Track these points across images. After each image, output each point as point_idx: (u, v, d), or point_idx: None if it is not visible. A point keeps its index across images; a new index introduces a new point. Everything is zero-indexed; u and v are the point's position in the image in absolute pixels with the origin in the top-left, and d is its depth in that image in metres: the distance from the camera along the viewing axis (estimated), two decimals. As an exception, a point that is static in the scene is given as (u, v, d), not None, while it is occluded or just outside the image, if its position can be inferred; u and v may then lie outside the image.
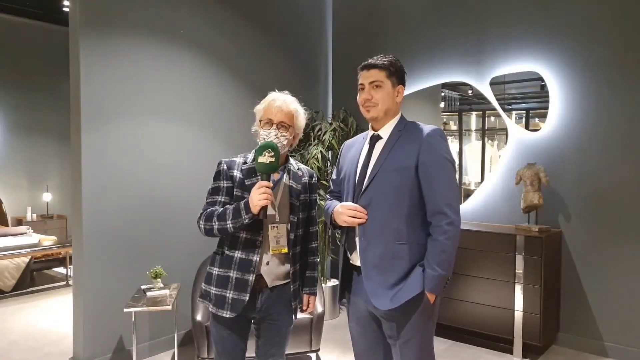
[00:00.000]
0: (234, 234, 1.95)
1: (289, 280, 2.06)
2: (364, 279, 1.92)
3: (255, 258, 1.95)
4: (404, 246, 1.87)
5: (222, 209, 1.92)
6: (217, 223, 1.90)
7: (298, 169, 2.11)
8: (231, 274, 1.96)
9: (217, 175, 2.01)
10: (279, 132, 1.96)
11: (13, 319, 4.42)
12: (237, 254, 1.96)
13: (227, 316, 1.95)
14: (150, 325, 3.53)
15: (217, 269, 2.00)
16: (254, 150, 2.05)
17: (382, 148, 1.94)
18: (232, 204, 1.93)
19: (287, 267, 2.04)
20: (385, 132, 1.96)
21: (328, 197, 2.19)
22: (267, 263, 1.99)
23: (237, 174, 1.99)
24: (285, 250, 1.99)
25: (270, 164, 1.86)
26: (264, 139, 1.94)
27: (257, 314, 2.03)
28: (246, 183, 1.97)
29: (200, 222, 1.95)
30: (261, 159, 1.85)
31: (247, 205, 1.85)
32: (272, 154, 1.85)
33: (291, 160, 2.11)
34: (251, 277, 1.95)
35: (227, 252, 1.98)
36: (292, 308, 2.10)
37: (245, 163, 2.02)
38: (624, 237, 3.45)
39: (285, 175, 2.05)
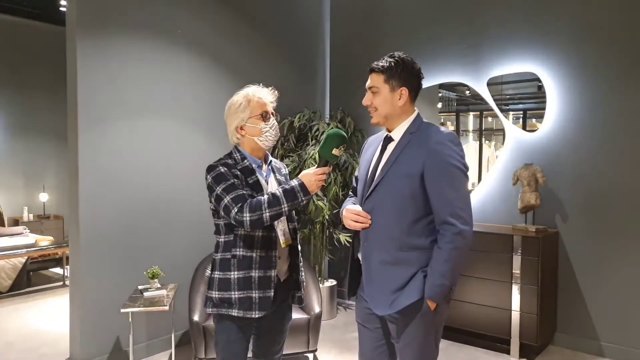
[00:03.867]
0: (248, 234, 1.94)
1: (290, 272, 2.10)
2: (365, 283, 1.92)
3: (275, 254, 1.98)
4: (405, 253, 1.84)
5: (265, 197, 1.87)
6: (268, 210, 1.83)
7: (275, 163, 2.16)
8: (253, 274, 1.94)
9: (222, 177, 1.92)
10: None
11: (9, 320, 4.40)
12: (256, 253, 1.95)
13: (256, 316, 1.94)
14: (148, 326, 3.53)
15: (235, 273, 1.95)
16: (236, 149, 2.03)
17: (391, 152, 1.90)
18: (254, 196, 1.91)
19: (290, 259, 2.09)
20: (397, 134, 1.91)
21: (350, 194, 2.17)
22: (279, 257, 2.01)
23: (238, 174, 1.97)
24: (290, 241, 2.04)
25: (338, 157, 1.92)
26: (267, 132, 1.98)
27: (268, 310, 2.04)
28: (250, 182, 1.97)
29: (245, 215, 1.83)
30: (336, 152, 1.89)
31: (302, 187, 1.86)
32: (344, 146, 1.92)
33: (269, 155, 2.13)
34: (273, 273, 1.96)
35: (243, 253, 1.95)
36: (298, 298, 2.11)
37: (236, 164, 1.99)
38: (621, 237, 3.46)
39: (269, 170, 2.09)
